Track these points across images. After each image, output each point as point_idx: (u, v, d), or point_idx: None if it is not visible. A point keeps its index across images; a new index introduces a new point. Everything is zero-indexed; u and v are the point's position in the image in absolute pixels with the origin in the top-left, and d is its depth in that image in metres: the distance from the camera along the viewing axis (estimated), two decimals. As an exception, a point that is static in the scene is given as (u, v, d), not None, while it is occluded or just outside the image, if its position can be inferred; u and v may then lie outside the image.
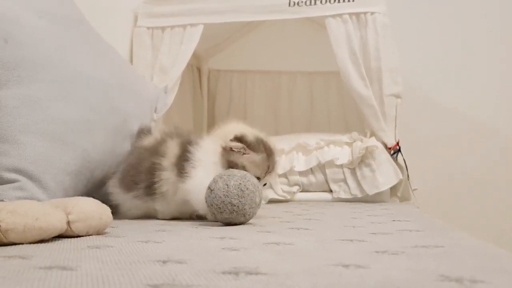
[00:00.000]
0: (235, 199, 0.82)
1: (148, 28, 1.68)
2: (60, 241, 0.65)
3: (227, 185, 0.82)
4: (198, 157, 0.94)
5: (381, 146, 1.51)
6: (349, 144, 1.54)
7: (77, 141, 0.97)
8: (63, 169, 0.92)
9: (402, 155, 1.54)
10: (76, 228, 0.68)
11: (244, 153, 0.93)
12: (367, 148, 1.46)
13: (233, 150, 0.93)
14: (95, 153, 1.02)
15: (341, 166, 1.51)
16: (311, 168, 1.54)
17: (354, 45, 1.55)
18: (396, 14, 1.75)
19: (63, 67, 0.97)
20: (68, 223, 0.67)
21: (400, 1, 2.15)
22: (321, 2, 1.58)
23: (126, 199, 1.01)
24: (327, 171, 1.53)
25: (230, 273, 0.43)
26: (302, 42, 2.18)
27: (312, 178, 1.55)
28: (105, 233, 0.75)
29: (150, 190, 0.97)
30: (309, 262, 0.48)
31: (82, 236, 0.70)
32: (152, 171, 0.97)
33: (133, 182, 0.99)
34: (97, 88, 1.06)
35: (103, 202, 0.76)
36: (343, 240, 0.64)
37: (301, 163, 1.55)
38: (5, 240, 0.60)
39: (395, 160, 1.53)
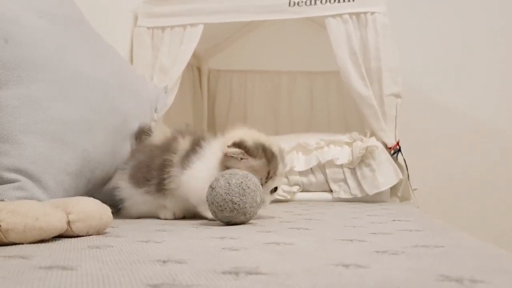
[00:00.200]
0: (236, 197, 0.82)
1: (148, 28, 1.68)
2: (60, 241, 0.65)
3: (228, 183, 0.83)
4: (205, 153, 0.96)
5: (381, 146, 1.51)
6: (349, 144, 1.54)
7: (77, 141, 0.97)
8: (63, 169, 0.92)
9: (402, 155, 1.54)
10: (76, 228, 0.68)
11: (242, 158, 0.93)
12: (367, 148, 1.46)
13: (232, 156, 0.93)
14: (95, 153, 1.02)
15: (341, 166, 1.51)
16: (311, 168, 1.54)
17: (354, 45, 1.55)
18: (396, 14, 1.75)
19: (63, 67, 0.97)
20: (68, 223, 0.67)
21: (400, 1, 2.15)
22: (321, 2, 1.58)
23: (135, 194, 1.03)
24: (327, 171, 1.53)
25: (230, 273, 0.43)
26: (302, 42, 2.18)
27: (312, 178, 1.55)
28: (105, 233, 0.75)
29: (160, 186, 0.99)
30: (309, 262, 0.48)
31: (82, 236, 0.70)
32: (163, 167, 0.99)
33: (145, 179, 1.01)
34: (97, 88, 1.06)
35: (103, 202, 0.76)
36: (343, 240, 0.64)
37: (301, 163, 1.55)
38: (5, 240, 0.60)
39: (395, 160, 1.53)
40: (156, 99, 1.45)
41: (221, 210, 0.83)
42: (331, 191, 1.54)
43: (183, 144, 1.01)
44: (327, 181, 1.54)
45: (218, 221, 0.87)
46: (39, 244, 0.62)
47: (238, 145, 0.93)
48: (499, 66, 2.21)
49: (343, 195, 1.50)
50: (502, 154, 2.19)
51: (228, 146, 0.93)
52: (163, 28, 1.66)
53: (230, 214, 0.83)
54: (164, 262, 0.48)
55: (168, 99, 1.54)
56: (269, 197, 0.96)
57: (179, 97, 1.76)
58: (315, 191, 1.56)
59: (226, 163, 0.94)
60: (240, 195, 0.82)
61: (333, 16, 1.57)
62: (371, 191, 1.45)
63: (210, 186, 0.85)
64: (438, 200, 2.08)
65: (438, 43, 2.25)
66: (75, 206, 0.69)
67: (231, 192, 0.82)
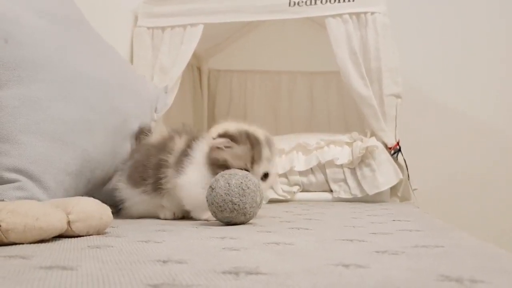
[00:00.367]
0: (236, 197, 0.82)
1: (148, 28, 1.68)
2: (60, 241, 0.65)
3: (228, 183, 0.83)
4: (195, 154, 0.96)
5: (381, 146, 1.51)
6: (349, 144, 1.54)
7: (77, 141, 0.97)
8: (63, 169, 0.93)
9: (402, 155, 1.54)
10: (77, 228, 0.68)
11: (228, 147, 0.93)
12: (367, 148, 1.46)
13: (219, 148, 0.94)
14: (95, 153, 1.02)
15: (341, 166, 1.51)
16: (311, 168, 1.54)
17: (354, 45, 1.55)
18: (397, 14, 1.75)
19: (63, 67, 0.97)
20: (69, 223, 0.67)
21: (401, 1, 2.15)
22: (321, 2, 1.58)
23: (134, 194, 1.04)
24: (327, 171, 1.53)
25: (230, 273, 0.43)
26: (302, 42, 2.18)
27: (312, 178, 1.55)
28: (105, 233, 0.75)
29: (157, 186, 0.99)
30: (309, 262, 0.48)
31: (83, 236, 0.70)
32: (159, 167, 0.99)
33: (141, 178, 1.01)
34: (97, 88, 1.06)
35: (103, 201, 0.76)
36: (343, 240, 0.64)
37: (301, 163, 1.55)
38: (5, 240, 0.60)
39: (395, 160, 1.53)
40: (156, 99, 1.45)
41: (221, 211, 0.83)
42: (331, 191, 1.54)
43: (179, 144, 1.01)
44: (327, 181, 1.54)
45: (218, 221, 0.87)
46: (39, 244, 0.62)
47: (222, 135, 0.94)
48: (499, 66, 2.21)
49: (343, 195, 1.50)
50: (502, 154, 2.19)
51: (214, 139, 0.94)
52: (163, 28, 1.66)
53: (230, 215, 0.83)
54: (164, 262, 0.48)
55: (168, 99, 1.55)
56: (263, 186, 0.95)
57: (179, 97, 1.76)
58: (315, 191, 1.56)
59: (212, 155, 0.94)
60: (240, 195, 0.82)
61: (333, 16, 1.57)
62: (371, 191, 1.45)
63: (210, 187, 0.85)
64: (438, 200, 2.08)
65: (438, 43, 2.25)
66: (75, 206, 0.69)
67: (231, 192, 0.82)
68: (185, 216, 1.03)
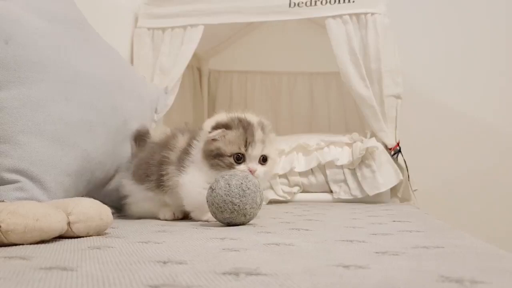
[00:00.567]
0: (236, 198, 0.82)
1: (148, 28, 1.68)
2: (60, 242, 0.65)
3: (228, 184, 0.83)
4: (196, 152, 0.97)
5: (381, 146, 1.51)
6: (350, 145, 1.54)
7: (78, 141, 0.97)
8: (64, 170, 0.93)
9: (402, 155, 1.54)
10: (77, 228, 0.68)
11: (223, 136, 0.94)
12: (367, 148, 1.46)
13: (215, 140, 0.94)
14: (96, 154, 1.02)
15: (342, 166, 1.51)
16: (311, 169, 1.54)
17: (354, 45, 1.55)
18: (397, 14, 1.75)
19: (63, 68, 0.97)
20: (69, 223, 0.67)
21: (401, 2, 2.15)
22: (321, 3, 1.58)
23: (138, 191, 1.05)
24: (328, 171, 1.53)
25: (230, 273, 0.43)
26: (302, 43, 2.18)
27: (312, 179, 1.55)
28: (105, 233, 0.75)
29: (159, 182, 1.00)
30: (309, 262, 0.48)
31: (83, 236, 0.70)
32: (161, 164, 1.01)
33: (145, 175, 1.03)
34: (97, 89, 1.06)
35: (103, 202, 0.76)
36: (343, 240, 0.64)
37: (301, 163, 1.55)
38: (5, 241, 0.60)
39: (396, 160, 1.53)
40: (157, 100, 1.45)
41: (221, 212, 0.83)
42: (331, 192, 1.54)
43: (182, 141, 1.02)
44: (327, 182, 1.54)
45: (218, 222, 0.87)
46: (40, 245, 0.62)
47: (215, 127, 0.94)
48: (500, 67, 2.21)
49: (343, 196, 1.50)
50: (502, 155, 2.18)
51: (209, 132, 0.94)
52: (163, 29, 1.67)
53: (230, 215, 0.83)
54: (164, 263, 0.48)
55: (168, 99, 1.55)
56: (262, 169, 0.95)
57: (180, 98, 1.76)
58: (315, 192, 1.56)
59: (205, 147, 0.95)
60: (240, 196, 0.82)
61: (333, 17, 1.57)
62: (371, 191, 1.45)
63: (210, 187, 0.85)
64: (438, 200, 2.08)
65: (439, 43, 2.25)
66: (75, 207, 0.69)
67: (231, 193, 0.82)
68: (185, 217, 1.03)
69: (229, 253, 0.54)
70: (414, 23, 2.24)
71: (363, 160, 1.48)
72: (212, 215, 0.86)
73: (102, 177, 1.08)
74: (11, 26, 0.88)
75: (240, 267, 0.46)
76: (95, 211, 0.72)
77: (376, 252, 0.54)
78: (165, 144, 1.03)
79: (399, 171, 1.49)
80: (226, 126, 0.94)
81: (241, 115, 0.98)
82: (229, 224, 0.85)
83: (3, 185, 0.85)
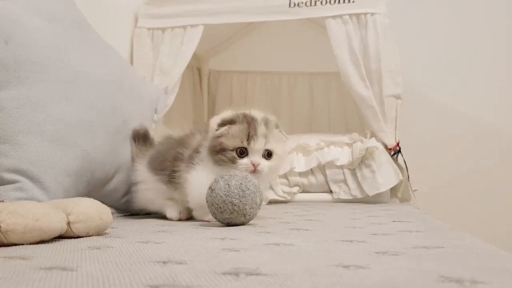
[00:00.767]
0: (236, 198, 0.82)
1: (148, 29, 1.68)
2: (60, 242, 0.65)
3: (228, 185, 0.83)
4: (203, 150, 0.98)
5: (381, 147, 1.51)
6: (349, 145, 1.54)
7: (78, 142, 0.97)
8: (64, 170, 0.93)
9: (402, 155, 1.54)
10: (77, 229, 0.68)
11: (229, 132, 0.95)
12: (367, 149, 1.46)
13: (220, 136, 0.95)
14: (96, 154, 1.02)
15: (341, 167, 1.51)
16: (311, 169, 1.54)
17: (354, 46, 1.55)
18: (397, 14, 1.75)
19: (63, 68, 0.97)
20: (69, 224, 0.67)
21: (402, 2, 2.15)
22: (321, 3, 1.58)
23: (150, 180, 1.07)
24: (327, 172, 1.53)
25: (230, 273, 0.43)
26: (302, 43, 2.18)
27: (312, 179, 1.55)
28: (105, 233, 0.75)
29: (171, 178, 1.01)
30: (309, 262, 0.48)
31: (83, 236, 0.70)
32: (175, 160, 1.02)
33: (159, 168, 1.05)
34: (97, 89, 1.06)
35: (103, 202, 0.76)
36: (343, 240, 0.64)
37: (301, 164, 1.55)
38: (5, 241, 0.60)
39: (395, 161, 1.53)
40: (157, 100, 1.45)
41: (221, 212, 0.83)
42: (331, 192, 1.54)
43: (198, 140, 1.03)
44: (327, 182, 1.54)
45: (218, 222, 0.87)
46: (39, 245, 0.62)
47: (222, 123, 0.95)
48: (500, 67, 2.21)
49: (343, 196, 1.50)
50: (502, 155, 2.18)
51: (216, 130, 0.95)
52: (163, 29, 1.67)
53: (230, 216, 0.83)
54: (164, 263, 0.48)
55: (168, 100, 1.55)
56: (267, 164, 0.95)
57: (180, 98, 1.76)
58: (315, 192, 1.56)
59: (212, 143, 0.95)
60: (240, 196, 0.82)
61: (333, 17, 1.57)
62: (371, 192, 1.45)
63: (210, 188, 0.85)
64: (438, 201, 2.08)
65: (439, 44, 2.25)
66: (75, 207, 0.69)
67: (230, 194, 0.82)
68: (191, 217, 1.03)
69: (229, 253, 0.54)
70: (414, 23, 2.24)
71: (363, 160, 1.48)
72: (212, 215, 0.86)
73: (102, 177, 1.08)
74: (11, 26, 0.88)
75: (240, 267, 0.46)
76: (95, 211, 0.72)
77: (376, 252, 0.54)
78: (182, 142, 1.05)
79: (399, 171, 1.49)
80: (231, 121, 0.95)
81: (246, 111, 0.99)
82: (229, 224, 0.85)
83: (3, 185, 0.85)
